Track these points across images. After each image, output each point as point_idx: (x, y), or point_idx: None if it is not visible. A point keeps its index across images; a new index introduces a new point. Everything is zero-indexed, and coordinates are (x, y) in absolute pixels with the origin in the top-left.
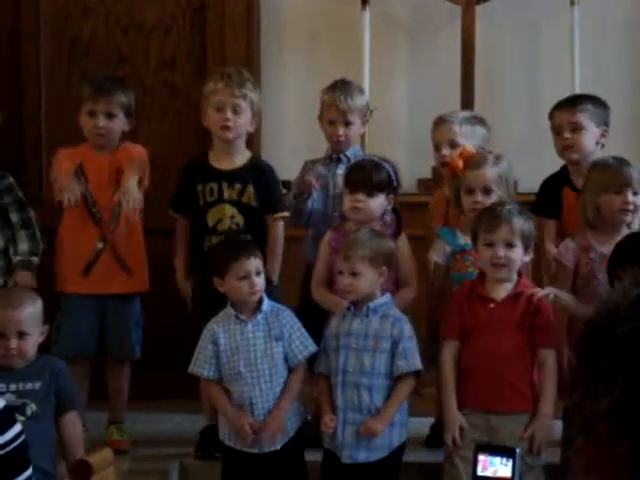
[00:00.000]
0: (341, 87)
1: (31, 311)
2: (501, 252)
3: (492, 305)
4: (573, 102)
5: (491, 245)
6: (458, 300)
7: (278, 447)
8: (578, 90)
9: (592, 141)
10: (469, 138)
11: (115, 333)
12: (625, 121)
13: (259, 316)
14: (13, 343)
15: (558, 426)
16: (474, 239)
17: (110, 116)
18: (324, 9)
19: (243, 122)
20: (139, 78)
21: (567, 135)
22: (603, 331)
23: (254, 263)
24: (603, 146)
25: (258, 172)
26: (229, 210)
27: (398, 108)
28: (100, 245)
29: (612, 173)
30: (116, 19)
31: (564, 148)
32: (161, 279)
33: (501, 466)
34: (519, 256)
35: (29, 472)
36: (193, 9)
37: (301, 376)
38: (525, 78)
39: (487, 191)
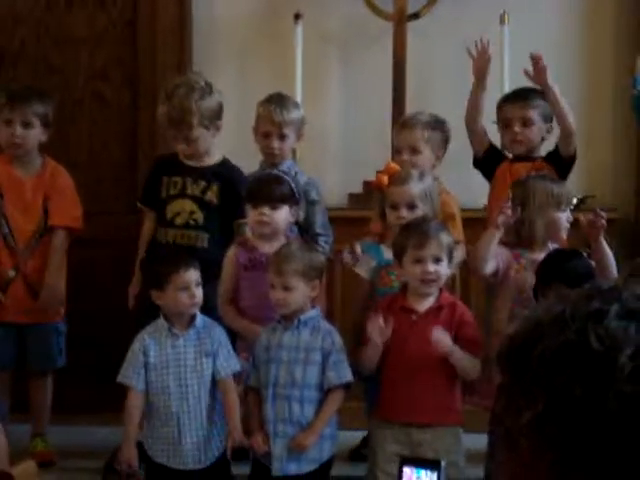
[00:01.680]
0: (277, 100)
1: None
2: (431, 268)
3: (414, 317)
4: (525, 97)
5: (420, 261)
6: (380, 313)
7: (205, 465)
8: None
9: (539, 136)
10: (429, 143)
11: (35, 344)
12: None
13: (191, 331)
14: None
15: (483, 440)
16: (396, 254)
17: (26, 125)
18: (256, 22)
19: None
20: (69, 89)
21: (517, 129)
22: (526, 346)
23: (194, 274)
24: (544, 140)
25: (227, 173)
26: (189, 205)
27: (330, 122)
28: (12, 273)
29: (559, 191)
30: (46, 29)
31: (512, 142)
32: (87, 285)
33: (426, 479)
34: (446, 270)
35: None
36: (124, 21)
37: (231, 387)
38: (456, 94)
39: (412, 207)
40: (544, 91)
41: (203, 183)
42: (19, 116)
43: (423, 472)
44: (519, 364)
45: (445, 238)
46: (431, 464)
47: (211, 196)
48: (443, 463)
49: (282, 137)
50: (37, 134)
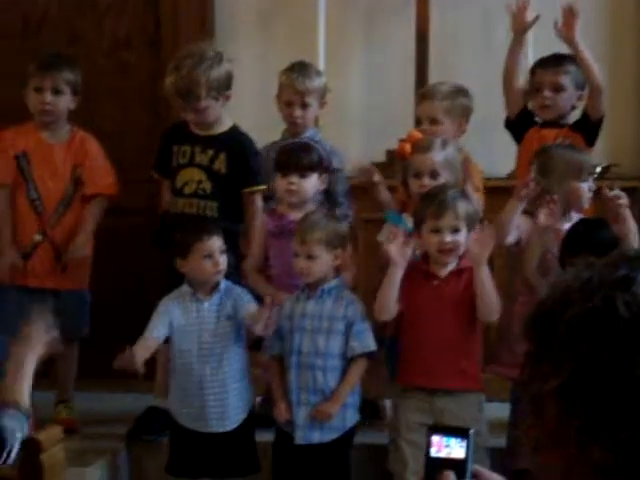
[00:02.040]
0: (299, 69)
1: None
2: (448, 238)
3: (436, 282)
4: (558, 62)
5: (437, 231)
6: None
7: (228, 428)
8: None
9: (570, 103)
10: (449, 113)
11: (60, 312)
12: None
13: (215, 295)
14: None
15: (503, 409)
16: (416, 224)
17: (57, 92)
18: None
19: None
20: (92, 57)
21: (547, 94)
22: (553, 312)
23: (217, 242)
24: (574, 108)
25: (235, 141)
26: (197, 174)
27: (353, 91)
28: (38, 238)
29: (579, 160)
30: None
31: (542, 107)
32: (112, 258)
33: (455, 447)
34: (464, 239)
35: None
36: None
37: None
38: (479, 63)
39: (434, 175)
40: (571, 47)
41: (211, 152)
42: (50, 83)
43: (453, 440)
44: (546, 331)
45: (464, 207)
46: (460, 432)
47: (219, 165)
48: (472, 431)
49: (304, 105)
50: (67, 101)
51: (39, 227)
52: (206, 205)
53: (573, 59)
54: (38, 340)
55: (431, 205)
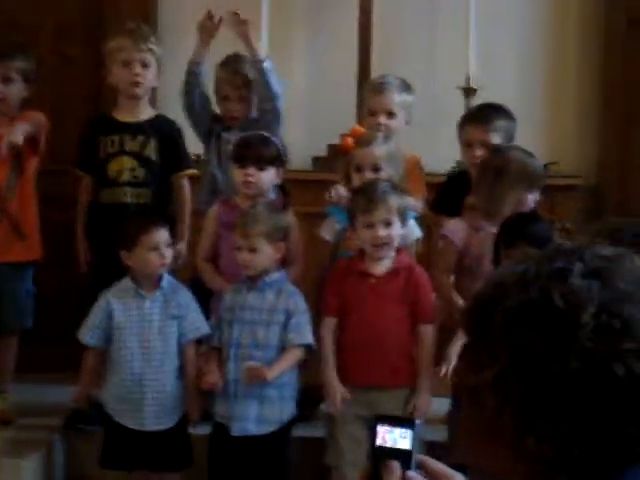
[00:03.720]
0: (234, 61)
1: None
2: (382, 232)
3: (373, 281)
4: (486, 119)
5: (370, 226)
6: (336, 277)
7: (163, 427)
8: (473, 69)
9: None
10: (402, 107)
11: (6, 303)
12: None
13: (158, 292)
14: None
15: (441, 404)
16: (350, 219)
17: (8, 80)
18: None
19: (151, 77)
20: (33, 44)
21: (478, 152)
22: (490, 304)
23: (163, 234)
24: None
25: (163, 127)
26: (129, 162)
27: (295, 84)
28: None
29: (534, 170)
30: None
31: (473, 164)
32: (56, 247)
33: (400, 438)
34: (398, 232)
35: None
36: None
37: (192, 356)
38: (422, 55)
39: (376, 169)
40: None
41: (141, 138)
42: (0, 71)
43: (398, 430)
44: (482, 322)
45: (395, 200)
46: (405, 423)
47: (149, 151)
48: (418, 422)
49: (241, 99)
50: (18, 90)
51: None
52: (140, 193)
53: (500, 111)
54: None
55: (363, 200)
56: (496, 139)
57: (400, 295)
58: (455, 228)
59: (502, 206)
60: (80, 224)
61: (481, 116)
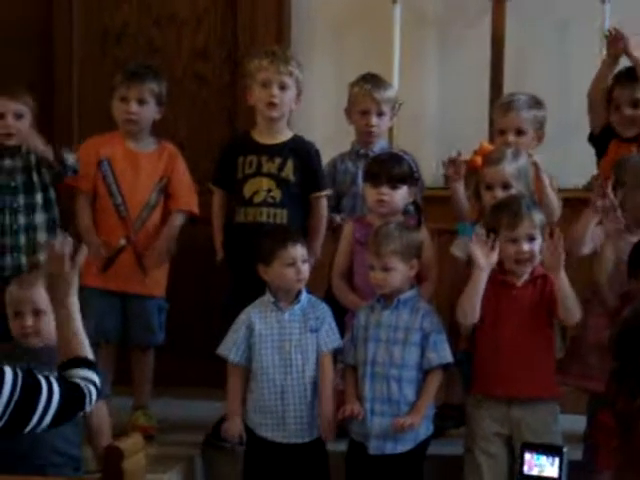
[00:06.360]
0: (372, 79)
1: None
2: (525, 247)
3: (514, 292)
4: (635, 78)
5: (514, 241)
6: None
7: (307, 440)
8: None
9: None
10: (532, 124)
11: (138, 320)
12: None
13: (296, 306)
14: (29, 321)
15: (581, 421)
16: (489, 236)
17: (142, 102)
18: (355, 1)
19: (288, 99)
20: (170, 68)
21: (627, 112)
22: (638, 330)
23: (300, 250)
24: None
25: (300, 148)
26: (266, 183)
27: (426, 103)
28: (123, 242)
29: None
30: (148, 9)
31: (622, 123)
32: (188, 266)
33: (547, 465)
34: (539, 247)
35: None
36: (225, 1)
37: (328, 367)
38: (554, 74)
39: (506, 186)
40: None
41: (279, 160)
42: (135, 93)
43: (544, 458)
44: (631, 348)
45: (538, 215)
46: (553, 450)
47: (287, 173)
48: (565, 449)
49: (380, 114)
50: (151, 112)
51: (123, 232)
52: (276, 213)
53: None
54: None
55: (506, 215)
56: None
57: (540, 304)
58: (595, 237)
59: (627, 213)
60: (218, 235)
61: (628, 75)
